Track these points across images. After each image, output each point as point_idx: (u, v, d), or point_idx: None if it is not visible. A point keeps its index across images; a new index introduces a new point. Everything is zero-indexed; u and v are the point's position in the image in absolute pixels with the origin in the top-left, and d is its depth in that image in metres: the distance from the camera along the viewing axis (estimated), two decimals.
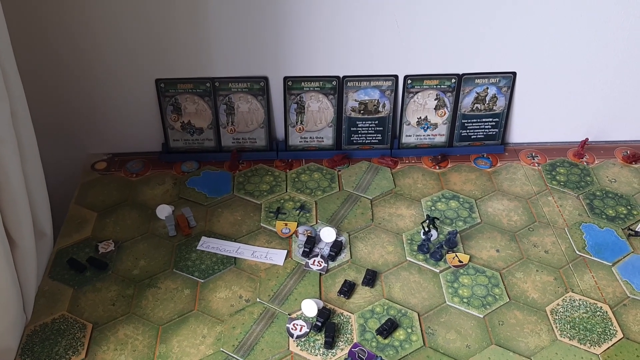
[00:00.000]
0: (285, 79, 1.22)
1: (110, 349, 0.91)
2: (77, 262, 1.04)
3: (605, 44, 1.21)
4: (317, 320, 0.94)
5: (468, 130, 1.30)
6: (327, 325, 0.93)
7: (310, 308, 0.95)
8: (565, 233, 1.12)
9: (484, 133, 1.31)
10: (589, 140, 1.32)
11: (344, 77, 1.23)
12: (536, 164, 1.29)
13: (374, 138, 1.30)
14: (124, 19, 1.13)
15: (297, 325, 0.94)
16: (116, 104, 1.25)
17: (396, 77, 1.23)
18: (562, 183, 1.24)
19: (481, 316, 0.97)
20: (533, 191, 1.22)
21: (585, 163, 1.29)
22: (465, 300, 0.99)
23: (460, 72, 1.24)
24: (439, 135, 1.30)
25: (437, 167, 1.28)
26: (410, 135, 1.30)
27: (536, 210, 1.17)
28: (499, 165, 1.29)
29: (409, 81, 1.23)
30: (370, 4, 1.14)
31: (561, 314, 0.97)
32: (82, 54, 1.17)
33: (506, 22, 1.18)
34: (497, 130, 1.31)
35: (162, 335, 0.93)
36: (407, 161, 1.30)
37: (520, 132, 1.34)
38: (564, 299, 1.00)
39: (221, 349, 0.91)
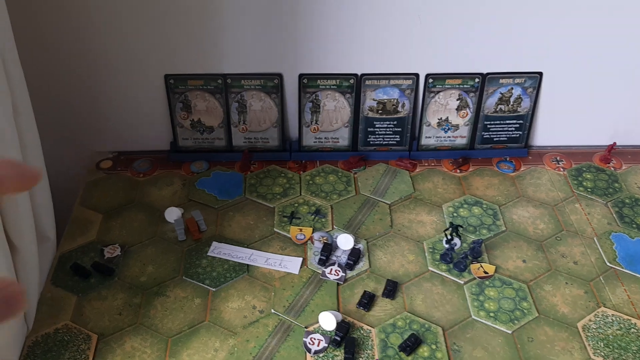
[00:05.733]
0: (301, 76, 1.17)
1: None
2: (81, 268, 0.99)
3: (636, 44, 1.15)
4: (335, 335, 0.89)
5: (490, 132, 1.24)
6: (346, 340, 0.88)
7: (328, 321, 0.90)
8: (595, 243, 1.07)
9: (507, 135, 1.25)
10: (617, 144, 1.26)
11: (362, 75, 1.17)
12: (561, 169, 1.24)
13: (391, 139, 1.24)
14: (131, 11, 1.07)
15: (314, 339, 0.89)
16: (123, 100, 1.19)
17: (417, 75, 1.17)
18: (589, 189, 1.18)
19: (509, 332, 0.91)
20: (559, 197, 1.16)
21: (612, 168, 1.24)
22: (492, 314, 0.94)
23: (485, 72, 1.18)
24: (460, 137, 1.24)
25: (458, 171, 1.22)
26: (430, 136, 1.24)
27: (563, 218, 1.12)
28: (522, 169, 1.23)
29: (431, 80, 1.18)
30: None
31: (594, 330, 0.92)
32: (87, 48, 1.11)
33: (533, 20, 1.12)
34: (520, 132, 1.25)
35: (172, 347, 0.88)
36: (426, 164, 1.24)
37: (544, 134, 1.28)
38: (596, 314, 0.94)
39: None
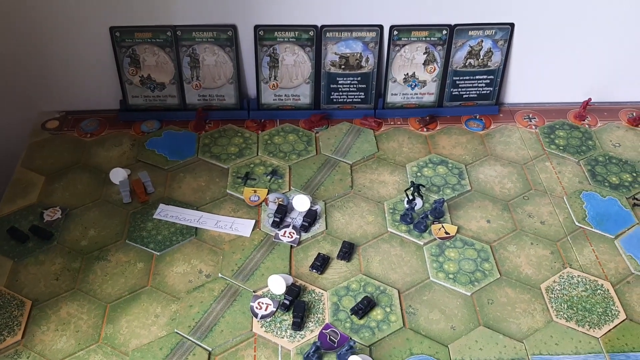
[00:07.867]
0: (256, 27, 1.09)
1: (50, 330, 0.81)
2: (18, 232, 0.93)
3: None
4: (284, 298, 0.84)
5: (460, 89, 1.18)
6: (295, 304, 0.83)
7: (277, 284, 0.85)
8: (564, 202, 1.02)
9: (477, 92, 1.19)
10: (592, 100, 1.20)
11: (323, 26, 1.09)
12: (533, 127, 1.18)
13: (356, 96, 1.17)
14: None
15: (262, 303, 0.84)
16: (68, 55, 1.11)
17: (381, 27, 1.10)
18: (561, 147, 1.13)
19: (468, 294, 0.87)
20: (529, 156, 1.11)
21: (587, 126, 1.18)
22: (451, 276, 0.89)
23: (452, 23, 1.10)
24: (428, 94, 1.18)
25: (425, 129, 1.16)
26: (396, 93, 1.17)
27: (532, 177, 1.06)
28: (492, 127, 1.18)
29: (395, 32, 1.10)
30: None
31: (557, 292, 0.88)
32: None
33: None
34: (491, 89, 1.19)
35: (110, 314, 0.83)
36: (392, 122, 1.18)
37: (516, 91, 1.22)
38: (560, 276, 0.90)
39: (175, 330, 0.81)
